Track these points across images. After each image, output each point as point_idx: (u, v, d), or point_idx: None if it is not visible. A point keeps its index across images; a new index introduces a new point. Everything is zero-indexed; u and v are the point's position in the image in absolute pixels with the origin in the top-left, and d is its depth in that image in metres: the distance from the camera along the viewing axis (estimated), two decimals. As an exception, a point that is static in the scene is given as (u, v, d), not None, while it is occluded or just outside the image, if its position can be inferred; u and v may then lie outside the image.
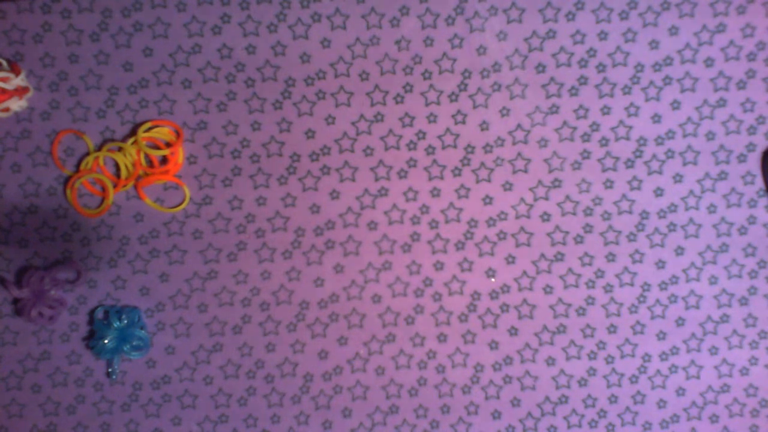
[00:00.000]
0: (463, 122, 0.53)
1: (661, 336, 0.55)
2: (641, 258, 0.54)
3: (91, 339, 0.53)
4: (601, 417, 0.55)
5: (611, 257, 0.54)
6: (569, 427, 0.55)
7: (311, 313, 0.54)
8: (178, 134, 0.53)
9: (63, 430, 0.54)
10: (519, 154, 0.53)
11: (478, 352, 0.54)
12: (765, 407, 0.55)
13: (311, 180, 0.53)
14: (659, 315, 0.55)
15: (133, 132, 0.53)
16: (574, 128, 0.53)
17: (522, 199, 0.54)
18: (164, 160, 0.53)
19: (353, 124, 0.53)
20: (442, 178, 0.54)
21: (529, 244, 0.54)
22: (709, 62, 0.53)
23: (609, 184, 0.54)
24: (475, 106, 0.53)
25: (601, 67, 0.53)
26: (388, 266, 0.54)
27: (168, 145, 0.53)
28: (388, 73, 0.53)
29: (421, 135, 0.53)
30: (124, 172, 0.53)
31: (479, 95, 0.53)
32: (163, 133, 0.52)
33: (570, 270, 0.54)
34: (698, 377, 0.55)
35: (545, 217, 0.54)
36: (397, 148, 0.53)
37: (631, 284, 0.54)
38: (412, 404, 0.55)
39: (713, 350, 0.55)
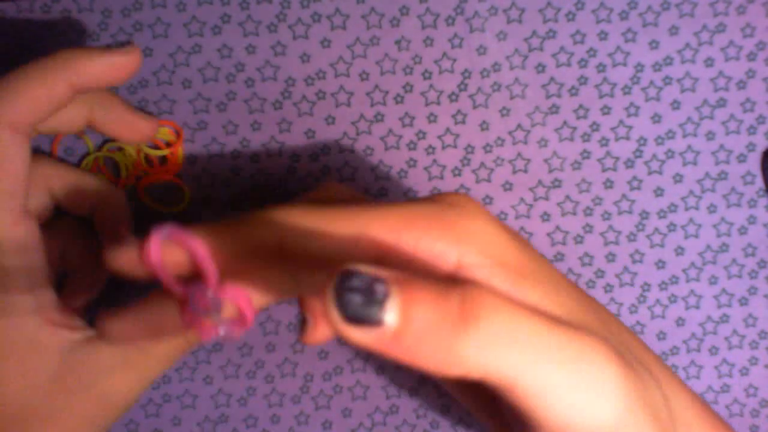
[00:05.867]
0: (463, 122, 0.53)
1: (661, 336, 0.55)
2: (641, 258, 0.54)
3: (91, 339, 0.53)
4: (601, 417, 0.55)
5: (611, 257, 0.54)
6: (569, 427, 0.55)
7: (311, 313, 0.54)
8: (178, 134, 0.53)
9: (63, 430, 0.54)
10: (519, 154, 0.53)
11: (478, 352, 0.54)
12: (765, 407, 0.55)
13: (311, 180, 0.53)
14: (659, 315, 0.55)
15: (133, 132, 0.53)
16: (574, 128, 0.53)
17: (522, 199, 0.54)
18: (164, 160, 0.53)
19: (353, 124, 0.53)
20: (442, 178, 0.53)
21: (529, 244, 0.54)
22: (709, 62, 0.53)
23: (609, 184, 0.54)
24: (475, 106, 0.53)
25: (601, 67, 0.53)
26: (388, 266, 0.54)
27: (168, 145, 0.53)
28: (388, 73, 0.53)
29: (421, 135, 0.53)
30: (124, 172, 0.53)
31: (479, 95, 0.53)
32: (163, 133, 0.52)
33: (570, 270, 0.54)
34: (698, 377, 0.55)
35: (545, 217, 0.54)
36: (397, 148, 0.53)
37: (631, 284, 0.54)
38: (412, 404, 0.55)
39: (713, 350, 0.55)
